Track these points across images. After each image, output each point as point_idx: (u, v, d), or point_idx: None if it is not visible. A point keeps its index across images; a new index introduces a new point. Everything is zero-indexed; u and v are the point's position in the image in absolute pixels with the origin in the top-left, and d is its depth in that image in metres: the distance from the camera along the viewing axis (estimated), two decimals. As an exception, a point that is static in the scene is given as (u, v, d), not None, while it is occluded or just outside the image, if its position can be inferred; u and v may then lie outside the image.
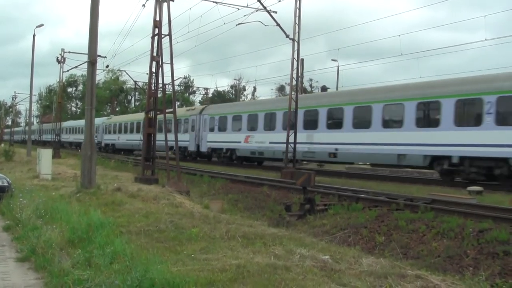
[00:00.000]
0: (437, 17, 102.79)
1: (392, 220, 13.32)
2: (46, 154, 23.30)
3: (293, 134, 26.48)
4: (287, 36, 27.32)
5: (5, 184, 14.68)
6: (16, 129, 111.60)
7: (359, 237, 12.91)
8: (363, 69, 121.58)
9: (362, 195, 16.74)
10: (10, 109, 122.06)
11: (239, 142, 35.09)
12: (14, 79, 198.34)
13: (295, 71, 27.40)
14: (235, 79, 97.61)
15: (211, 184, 23.04)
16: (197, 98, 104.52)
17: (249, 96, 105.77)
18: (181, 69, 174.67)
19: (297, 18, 27.01)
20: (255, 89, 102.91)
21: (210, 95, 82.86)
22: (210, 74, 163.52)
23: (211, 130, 38.82)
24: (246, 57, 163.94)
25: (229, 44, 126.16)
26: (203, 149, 39.70)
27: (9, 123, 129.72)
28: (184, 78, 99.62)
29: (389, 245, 12.02)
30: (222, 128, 37.70)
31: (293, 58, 27.31)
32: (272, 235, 9.58)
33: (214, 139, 38.45)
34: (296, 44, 27.07)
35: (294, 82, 27.72)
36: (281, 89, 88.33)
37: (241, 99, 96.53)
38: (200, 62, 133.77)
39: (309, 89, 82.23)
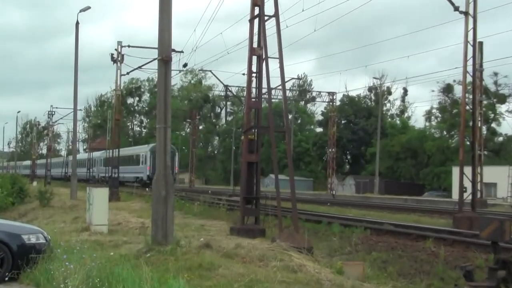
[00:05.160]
0: None
1: None
2: (100, 195, 23.48)
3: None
4: (456, 9, 26.76)
5: (41, 241, 14.26)
6: (54, 160, 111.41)
7: None
8: None
9: None
10: (45, 131, 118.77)
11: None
12: (59, 86, 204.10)
13: (469, 61, 26.77)
14: (375, 78, 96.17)
15: (345, 237, 23.13)
16: (318, 107, 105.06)
17: (397, 103, 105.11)
18: (299, 65, 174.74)
19: (471, -21, 26.47)
20: (405, 91, 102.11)
21: (339, 102, 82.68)
22: (339, 71, 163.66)
23: None
24: (395, 44, 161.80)
25: (370, 28, 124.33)
26: None
27: (44, 151, 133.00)
28: (299, 79, 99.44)
29: None
30: None
31: (466, 42, 26.70)
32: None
33: None
34: (471, 20, 26.42)
35: (469, 78, 27.07)
36: (447, 89, 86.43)
37: (384, 108, 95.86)
38: (327, 54, 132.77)
39: (493, 88, 79.90)
